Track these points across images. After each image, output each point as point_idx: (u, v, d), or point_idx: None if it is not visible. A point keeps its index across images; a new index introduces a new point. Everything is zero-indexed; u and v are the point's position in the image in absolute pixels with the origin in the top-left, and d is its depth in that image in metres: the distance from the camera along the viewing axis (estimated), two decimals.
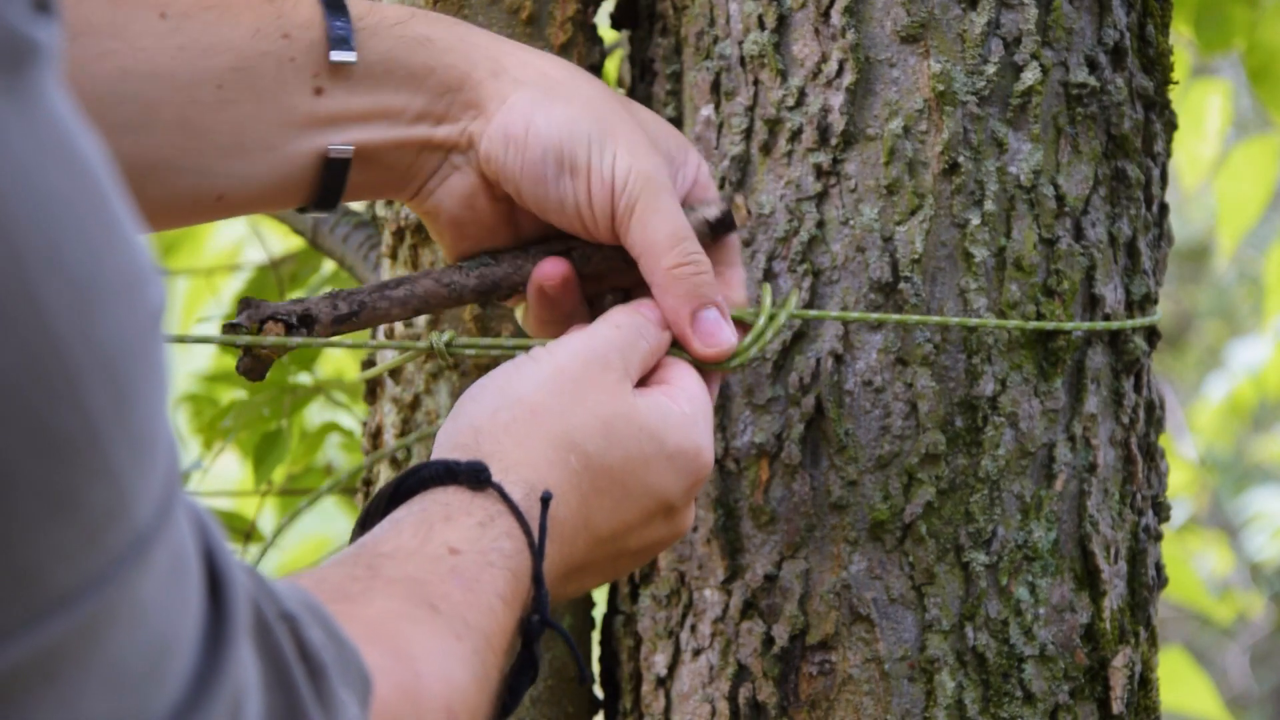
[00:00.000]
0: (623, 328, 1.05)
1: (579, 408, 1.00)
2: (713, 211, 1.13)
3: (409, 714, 0.80)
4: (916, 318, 1.22)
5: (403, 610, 0.84)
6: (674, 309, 1.08)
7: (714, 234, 1.13)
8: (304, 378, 1.84)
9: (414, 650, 0.83)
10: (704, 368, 1.09)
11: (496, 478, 0.94)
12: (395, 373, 1.35)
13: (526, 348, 1.05)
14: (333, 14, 1.02)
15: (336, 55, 1.02)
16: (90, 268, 0.54)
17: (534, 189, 1.06)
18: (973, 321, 1.23)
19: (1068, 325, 1.25)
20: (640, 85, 1.36)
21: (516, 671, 0.93)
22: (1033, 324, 1.24)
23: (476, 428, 0.98)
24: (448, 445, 0.98)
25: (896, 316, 1.22)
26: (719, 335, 1.09)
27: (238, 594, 0.63)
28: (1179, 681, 3.08)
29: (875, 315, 1.22)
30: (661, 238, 1.06)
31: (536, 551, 0.93)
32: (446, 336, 1.10)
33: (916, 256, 1.23)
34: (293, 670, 0.66)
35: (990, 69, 1.24)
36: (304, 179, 1.04)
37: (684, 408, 1.04)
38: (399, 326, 1.35)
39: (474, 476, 0.94)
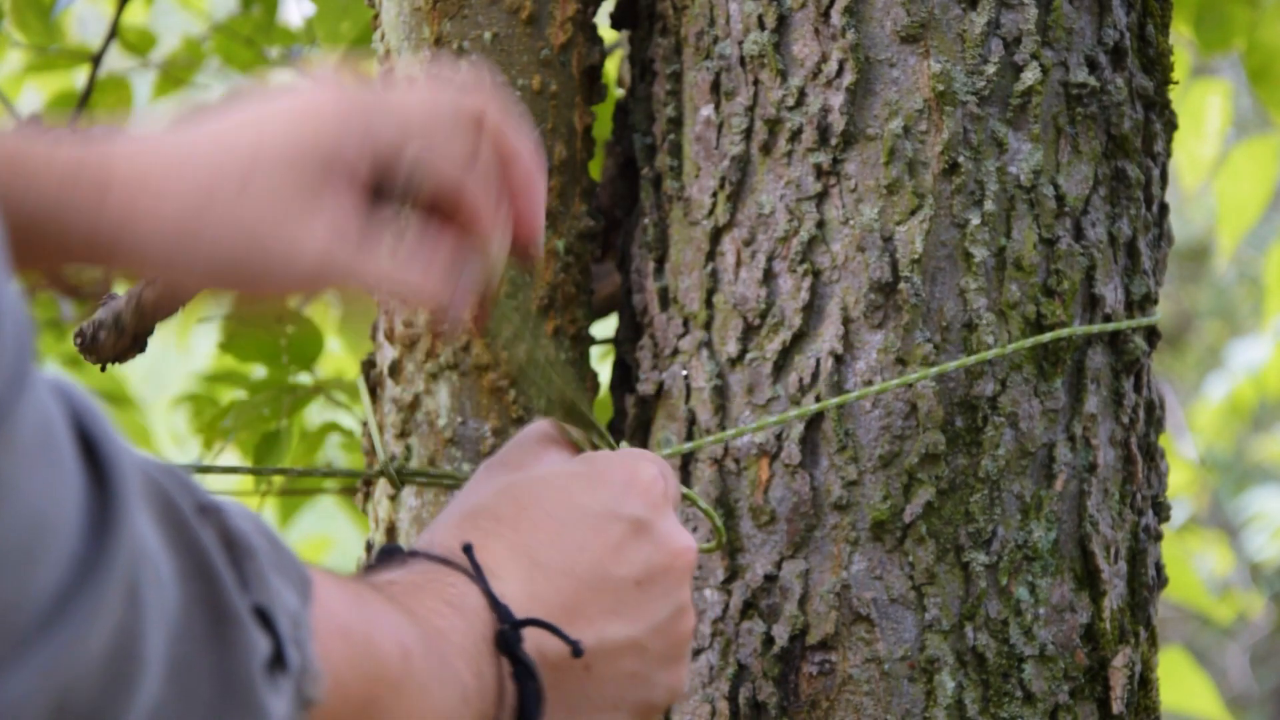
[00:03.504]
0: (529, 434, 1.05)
1: (477, 492, 0.99)
2: None
3: (359, 637, 0.77)
4: (917, 375, 1.22)
5: (344, 580, 0.82)
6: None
7: None
8: (304, 378, 1.84)
9: (362, 595, 0.81)
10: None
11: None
12: (395, 372, 1.35)
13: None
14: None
15: None
16: None
17: None
18: (971, 360, 1.23)
19: (1065, 331, 1.25)
20: (640, 85, 1.36)
21: (520, 691, 0.89)
22: (1031, 340, 1.24)
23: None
24: None
25: (895, 382, 1.22)
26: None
27: (124, 475, 0.60)
28: (1179, 681, 3.08)
29: (875, 387, 1.22)
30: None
31: (476, 575, 0.90)
32: (396, 463, 1.10)
33: (916, 256, 1.23)
34: (212, 557, 0.64)
35: (990, 69, 1.24)
36: None
37: (597, 454, 1.02)
38: (399, 326, 1.35)
39: (386, 555, 0.92)
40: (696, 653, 1.27)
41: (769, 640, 1.24)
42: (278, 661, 0.66)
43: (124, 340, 1.04)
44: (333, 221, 0.87)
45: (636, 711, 0.96)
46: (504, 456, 1.02)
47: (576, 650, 0.91)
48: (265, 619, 0.66)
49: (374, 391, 1.39)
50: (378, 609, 0.81)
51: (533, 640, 0.90)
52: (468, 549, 0.91)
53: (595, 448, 1.06)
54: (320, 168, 0.87)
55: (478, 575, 0.90)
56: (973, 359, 1.22)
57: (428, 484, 1.10)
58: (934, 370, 1.22)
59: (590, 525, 0.95)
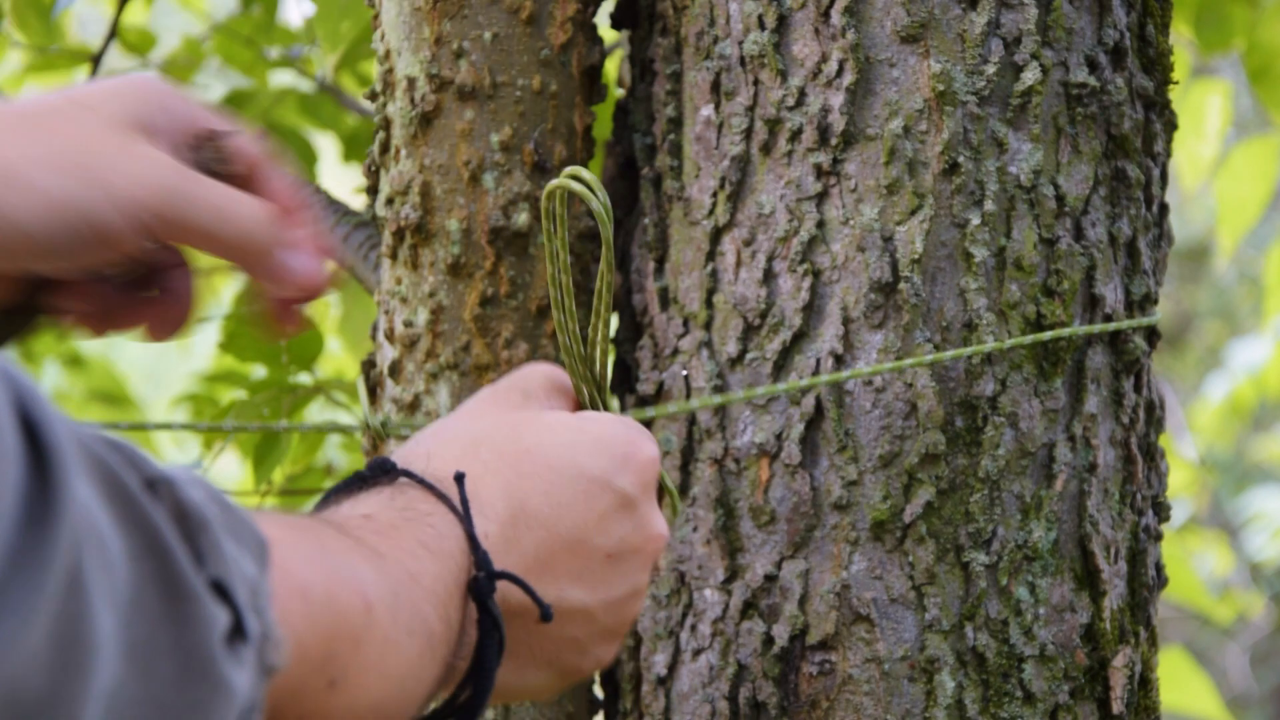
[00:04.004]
0: (523, 369, 1.05)
1: (484, 419, 0.99)
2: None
3: (320, 595, 0.76)
4: (912, 360, 1.22)
5: (308, 531, 0.81)
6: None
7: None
8: (304, 378, 1.84)
9: (327, 547, 0.80)
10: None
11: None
12: (395, 372, 1.35)
13: None
14: None
15: None
16: None
17: None
18: (968, 351, 1.23)
19: (1066, 331, 1.25)
20: (640, 85, 1.36)
21: (481, 641, 0.89)
22: (1031, 337, 1.24)
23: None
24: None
25: (896, 365, 1.22)
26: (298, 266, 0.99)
27: (65, 460, 0.58)
28: (1179, 681, 3.08)
29: (886, 366, 1.21)
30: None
31: (463, 514, 0.89)
32: (380, 418, 1.09)
33: (916, 256, 1.23)
34: (164, 534, 0.63)
35: (990, 69, 1.24)
36: None
37: (601, 415, 1.02)
38: (399, 326, 1.35)
39: (379, 469, 0.91)
40: (696, 653, 1.27)
41: (769, 640, 1.24)
42: (237, 632, 0.66)
43: None
44: (155, 154, 0.91)
45: (564, 673, 0.97)
46: (508, 391, 1.01)
47: (546, 614, 0.92)
48: (222, 591, 0.65)
49: (374, 392, 1.39)
50: (342, 560, 0.80)
51: (500, 590, 0.90)
52: (460, 479, 0.91)
53: (594, 405, 1.06)
54: (131, 124, 0.91)
55: (465, 516, 0.90)
56: (969, 350, 1.22)
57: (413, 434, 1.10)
58: (930, 358, 1.22)
59: (583, 488, 0.95)
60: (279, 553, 0.73)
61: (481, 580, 0.88)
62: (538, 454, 0.95)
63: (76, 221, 0.86)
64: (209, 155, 0.97)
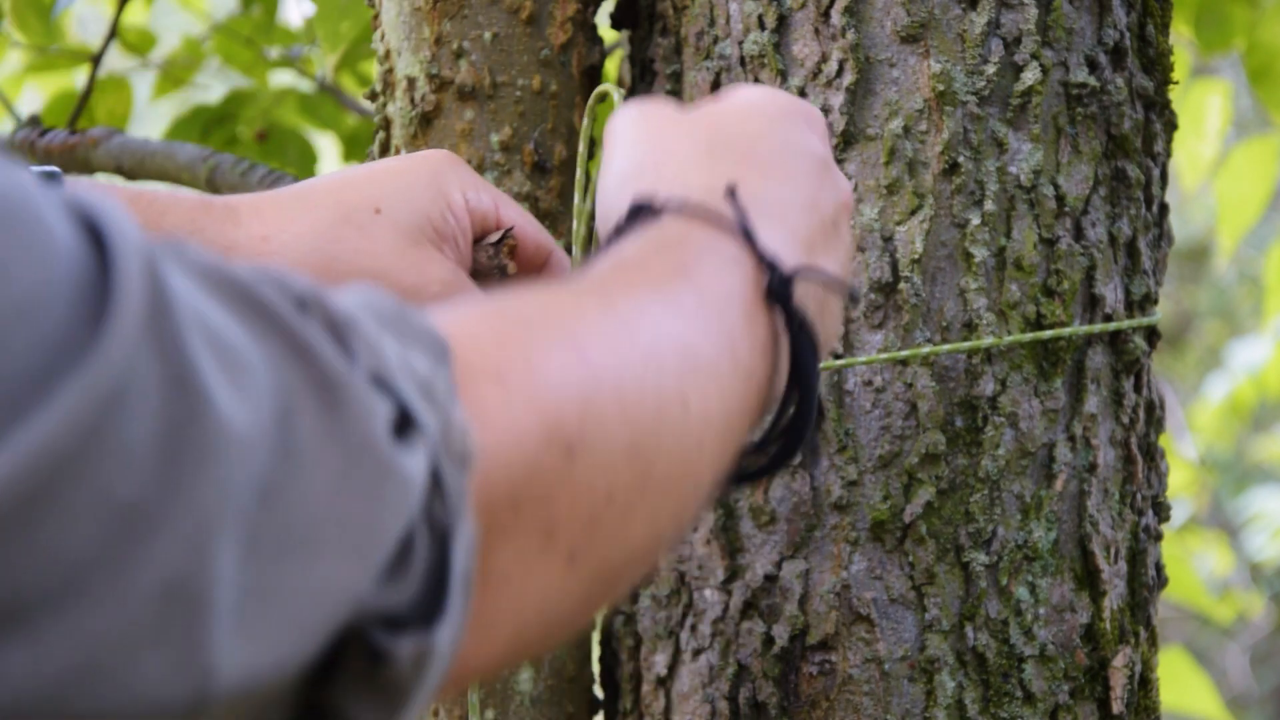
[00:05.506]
0: None
1: (680, 122, 0.94)
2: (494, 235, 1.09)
3: (575, 378, 0.71)
4: (907, 353, 1.22)
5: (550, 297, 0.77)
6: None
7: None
8: None
9: (581, 338, 0.74)
10: None
11: (661, 200, 0.87)
12: None
13: None
14: None
15: None
16: None
17: None
18: (965, 347, 1.23)
19: (1066, 331, 1.25)
20: (640, 85, 1.36)
21: (795, 345, 0.84)
22: (1030, 335, 1.24)
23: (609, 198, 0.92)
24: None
25: (894, 356, 1.22)
26: None
27: (125, 252, 0.56)
28: (1179, 681, 3.08)
29: (883, 356, 1.21)
30: None
31: (742, 227, 0.84)
32: None
33: (916, 256, 1.23)
34: (307, 337, 0.60)
35: (990, 69, 1.24)
36: None
37: (761, 87, 0.97)
38: None
39: (635, 211, 0.86)
40: (696, 653, 1.27)
41: (769, 640, 1.24)
42: (407, 424, 0.63)
43: None
44: (439, 264, 1.01)
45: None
46: (657, 103, 0.96)
47: (854, 295, 0.88)
48: (383, 384, 0.63)
49: None
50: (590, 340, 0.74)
51: (805, 280, 0.86)
52: (732, 191, 0.86)
53: None
54: (417, 226, 1.02)
55: (744, 225, 0.85)
56: (967, 345, 1.22)
57: None
58: (927, 350, 1.22)
59: (802, 162, 0.91)
60: (479, 347, 0.70)
61: (778, 285, 0.84)
62: (759, 145, 0.91)
63: None
64: (494, 257, 1.06)
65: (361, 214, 1.02)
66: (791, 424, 0.88)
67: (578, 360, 0.72)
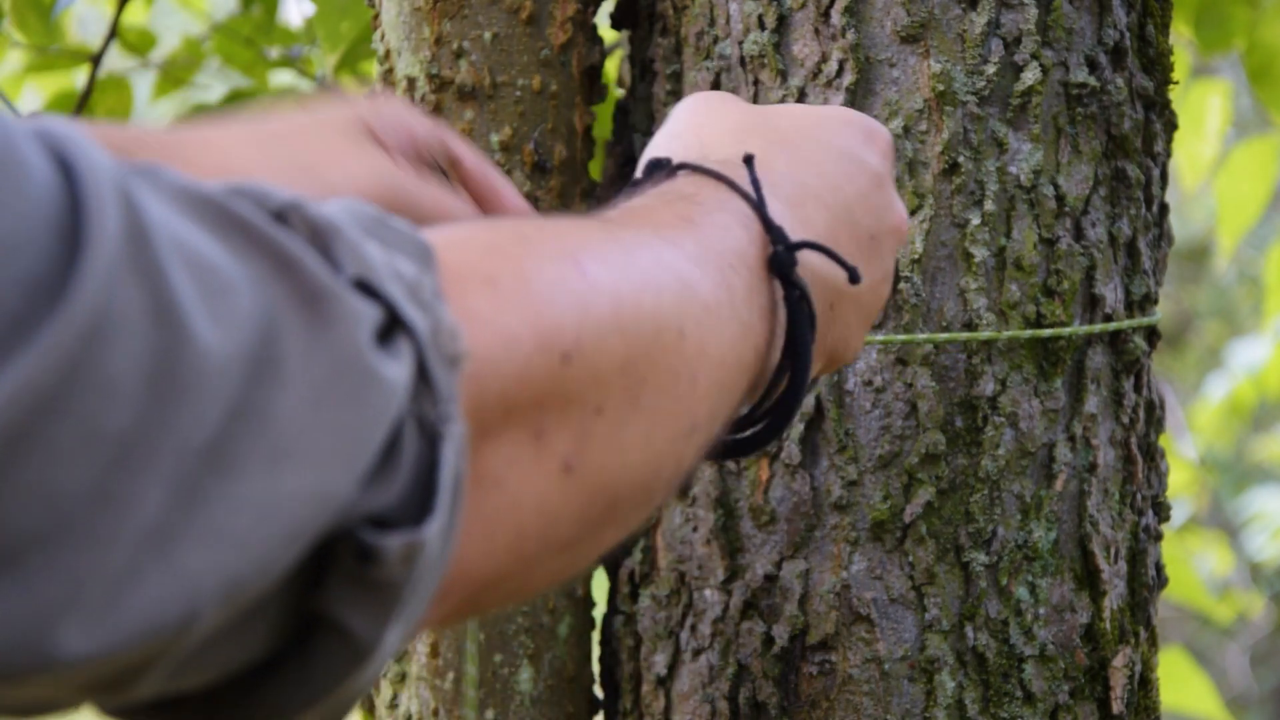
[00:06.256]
0: None
1: (729, 112, 0.96)
2: None
3: (566, 300, 0.71)
4: (898, 338, 1.22)
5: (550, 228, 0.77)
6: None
7: None
8: None
9: (578, 255, 0.74)
10: None
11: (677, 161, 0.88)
12: None
13: None
14: None
15: None
16: None
17: None
18: (963, 337, 1.23)
19: (1066, 330, 1.25)
20: (640, 85, 1.36)
21: (792, 316, 0.85)
22: (1029, 332, 1.24)
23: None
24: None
25: (898, 338, 1.22)
26: None
27: (96, 182, 0.55)
28: (1179, 681, 3.08)
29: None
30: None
31: (754, 194, 0.85)
32: None
33: (916, 256, 1.23)
34: (290, 250, 0.60)
35: (990, 69, 1.24)
36: None
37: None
38: None
39: (654, 166, 0.87)
40: (696, 653, 1.27)
41: (769, 640, 1.24)
42: (395, 327, 0.63)
43: None
44: (377, 155, 0.97)
45: (830, 361, 0.94)
46: (715, 96, 0.98)
47: (854, 276, 0.88)
48: (369, 290, 0.63)
49: None
50: (592, 266, 0.74)
51: (804, 266, 0.87)
52: (749, 160, 0.87)
53: None
54: (360, 131, 0.98)
55: (756, 192, 0.86)
56: (964, 335, 1.22)
57: None
58: (924, 337, 1.22)
59: (843, 165, 0.92)
60: (468, 253, 0.70)
61: (781, 254, 0.85)
62: (798, 136, 0.92)
63: None
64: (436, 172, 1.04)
65: (310, 123, 1.00)
66: (781, 399, 0.88)
67: (575, 273, 0.73)
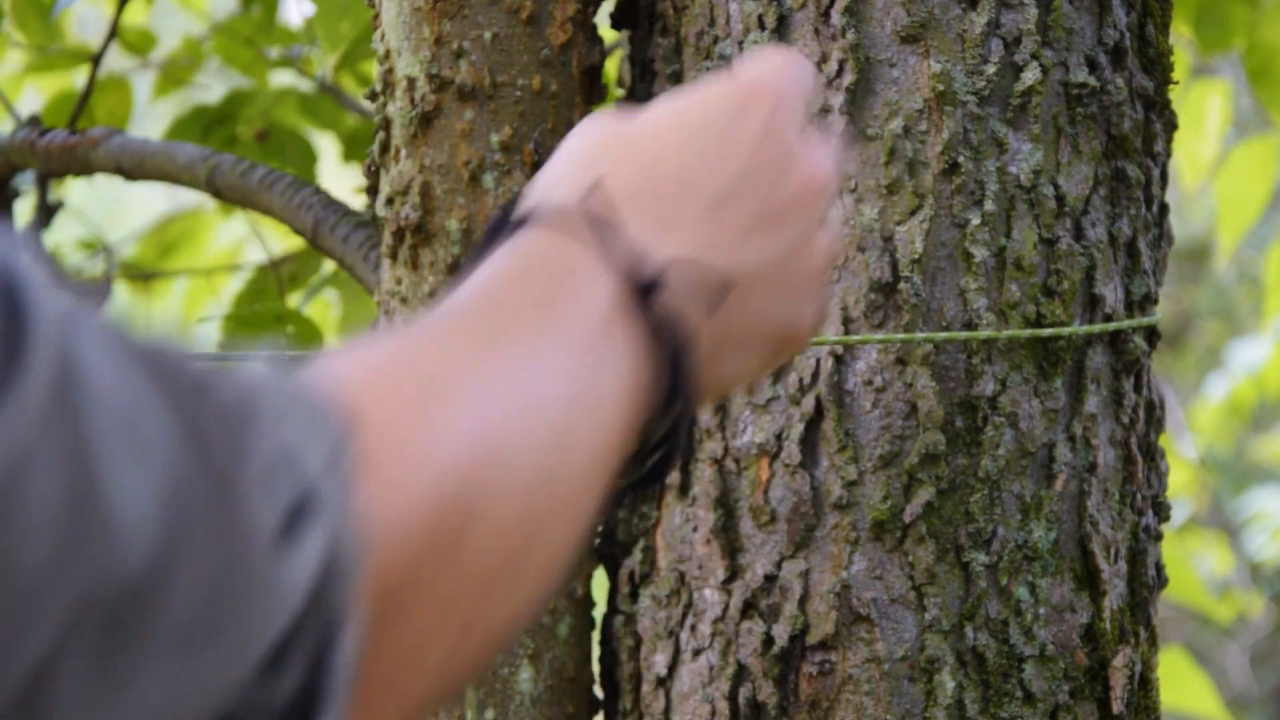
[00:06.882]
0: None
1: (583, 136, 0.88)
2: None
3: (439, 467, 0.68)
4: (898, 337, 1.22)
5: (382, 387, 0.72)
6: None
7: None
8: None
9: (471, 384, 0.71)
10: None
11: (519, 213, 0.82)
12: None
13: None
14: None
15: None
16: None
17: None
18: (963, 336, 1.23)
19: (1066, 330, 1.25)
20: (640, 85, 1.36)
21: (665, 348, 0.79)
22: (1029, 331, 1.24)
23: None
24: None
25: (895, 337, 1.22)
26: None
27: (35, 320, 0.55)
28: (1179, 681, 3.08)
29: (878, 337, 1.21)
30: None
31: (595, 235, 0.79)
32: None
33: (916, 256, 1.23)
34: (207, 425, 0.60)
35: (990, 69, 1.24)
36: None
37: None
38: (399, 325, 1.35)
39: (495, 228, 0.81)
40: (696, 653, 1.27)
41: (769, 640, 1.24)
42: (295, 523, 0.62)
43: None
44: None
45: (773, 343, 0.87)
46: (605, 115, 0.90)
47: (725, 284, 0.81)
48: (273, 487, 0.62)
49: None
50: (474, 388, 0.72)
51: (673, 281, 0.80)
52: (594, 189, 0.81)
53: None
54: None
55: (600, 232, 0.80)
56: (965, 335, 1.23)
57: None
58: (923, 335, 1.22)
59: (714, 146, 0.85)
60: (375, 436, 0.67)
61: (643, 289, 0.79)
62: (658, 135, 0.85)
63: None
64: None
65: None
66: (668, 434, 0.82)
67: (479, 425, 0.71)
